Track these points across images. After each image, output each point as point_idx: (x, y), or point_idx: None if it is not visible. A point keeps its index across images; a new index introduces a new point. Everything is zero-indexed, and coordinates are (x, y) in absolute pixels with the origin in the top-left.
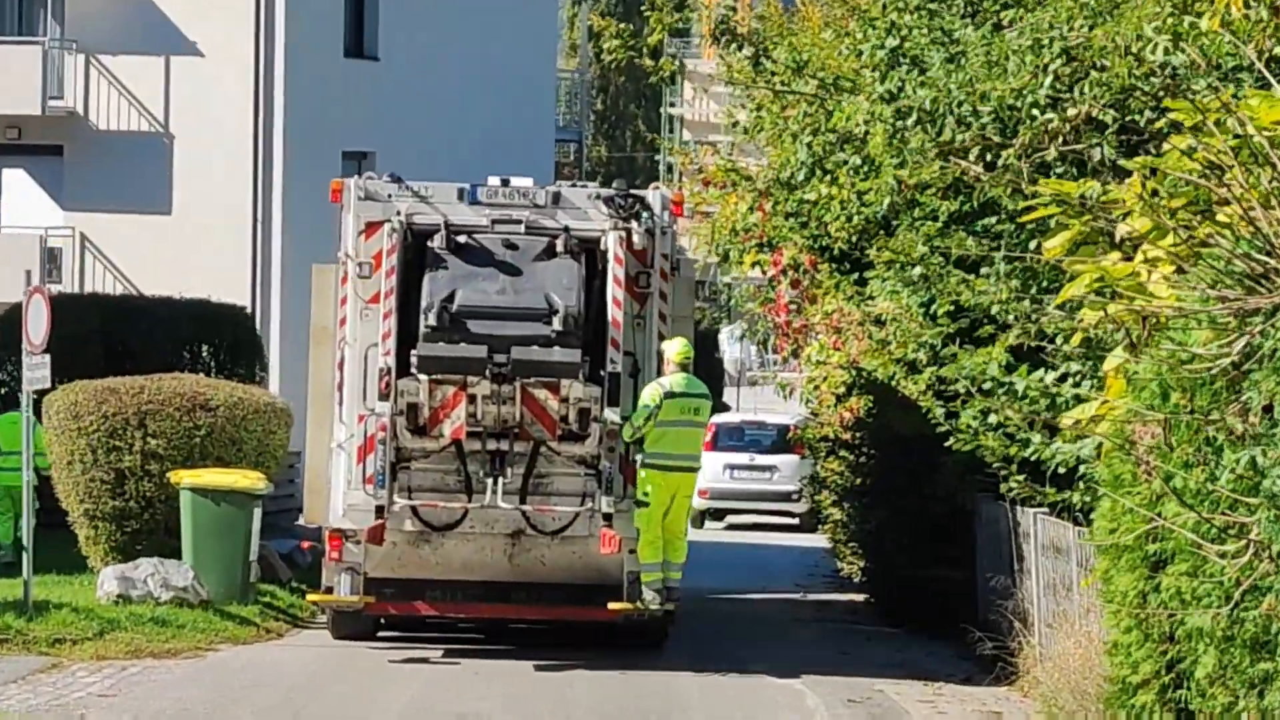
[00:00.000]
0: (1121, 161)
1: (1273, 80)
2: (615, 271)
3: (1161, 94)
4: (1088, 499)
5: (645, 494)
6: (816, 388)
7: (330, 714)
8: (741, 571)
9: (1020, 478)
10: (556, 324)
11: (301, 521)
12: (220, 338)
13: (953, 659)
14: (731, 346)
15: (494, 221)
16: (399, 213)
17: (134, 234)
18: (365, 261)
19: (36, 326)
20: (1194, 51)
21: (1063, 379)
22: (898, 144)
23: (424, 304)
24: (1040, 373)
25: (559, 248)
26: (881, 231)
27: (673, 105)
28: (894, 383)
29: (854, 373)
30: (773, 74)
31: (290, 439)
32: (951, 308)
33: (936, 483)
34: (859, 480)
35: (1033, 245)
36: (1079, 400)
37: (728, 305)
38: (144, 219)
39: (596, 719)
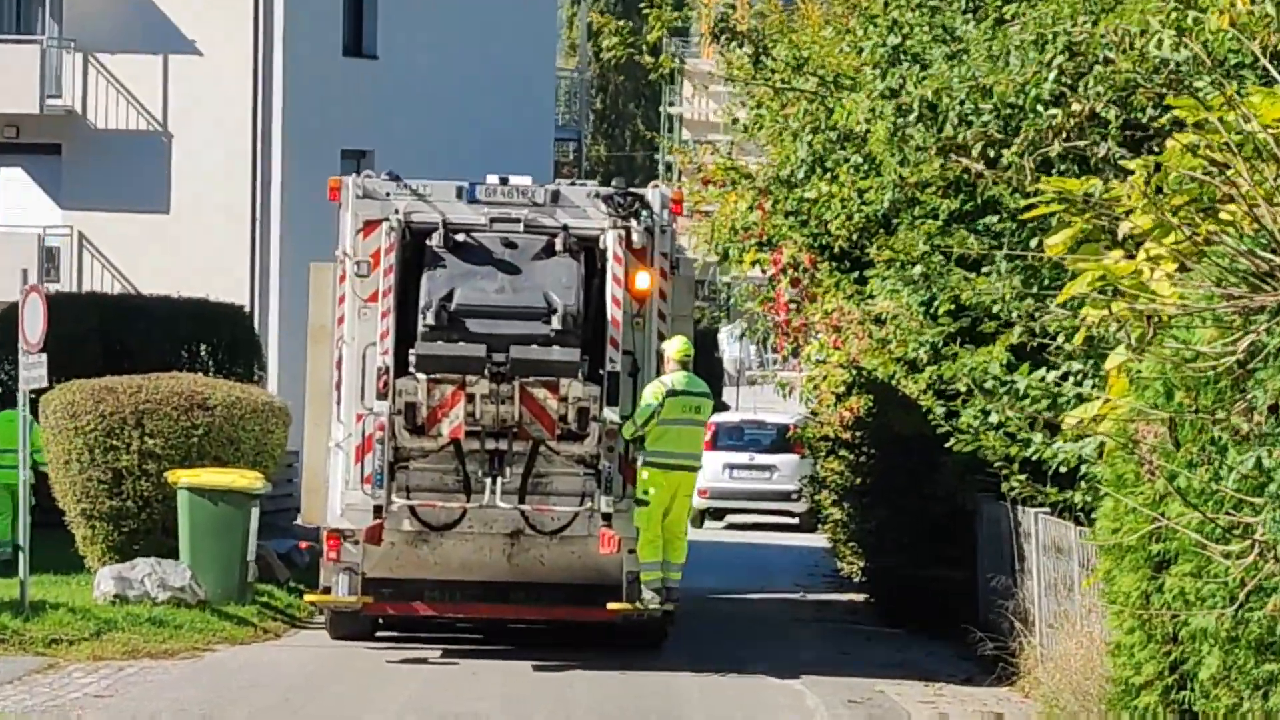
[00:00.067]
0: (1123, 162)
1: (1277, 76)
2: (614, 270)
3: (1164, 91)
4: (1089, 499)
5: (646, 492)
6: (816, 387)
7: (328, 714)
8: (741, 571)
9: (1022, 477)
10: (555, 323)
11: (299, 521)
12: (218, 337)
13: (953, 659)
14: (731, 346)
15: (493, 220)
16: (397, 211)
17: (132, 233)
18: (363, 260)
19: (33, 325)
20: (1197, 46)
21: (1064, 378)
22: (899, 141)
23: (422, 303)
24: (1042, 372)
25: (558, 246)
26: (882, 230)
27: (672, 104)
28: (894, 382)
29: (854, 372)
30: (773, 71)
31: (288, 438)
32: (952, 306)
33: (937, 482)
34: (859, 480)
35: (1034, 243)
36: (1081, 399)
37: (727, 304)
38: (142, 218)
39: (596, 719)
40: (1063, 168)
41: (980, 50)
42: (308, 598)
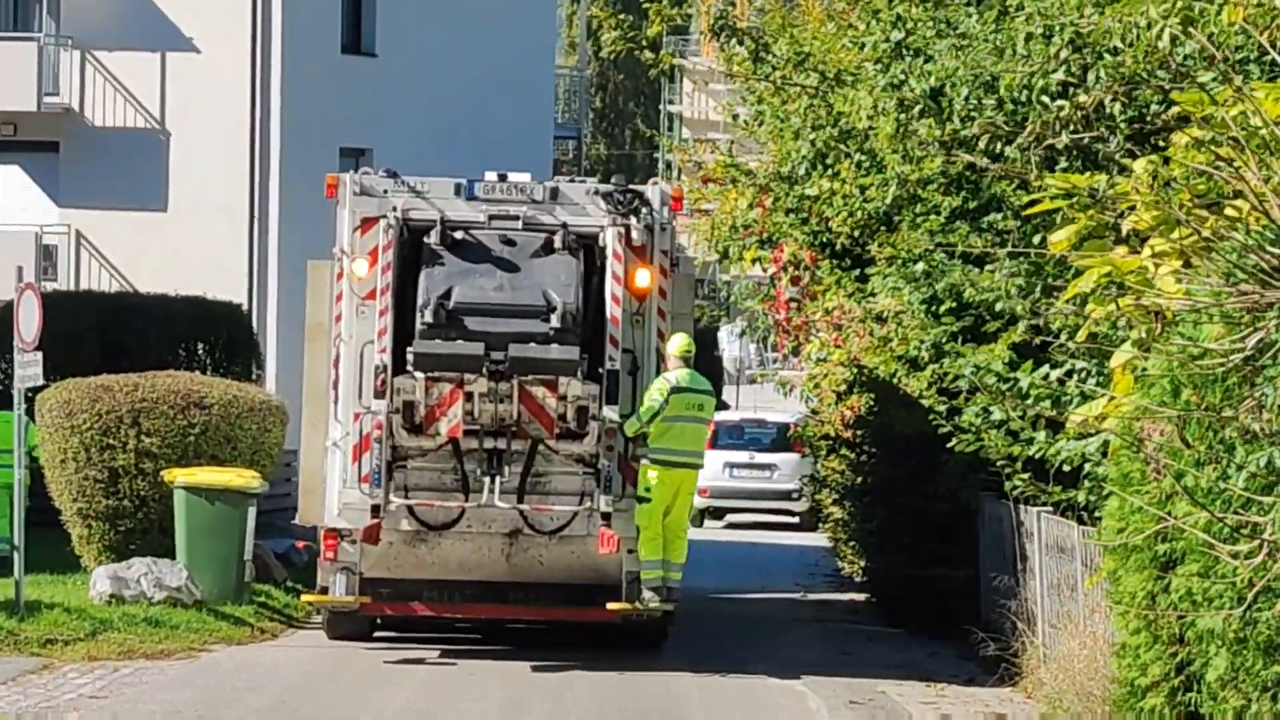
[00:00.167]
0: (1125, 161)
1: None
2: (614, 268)
3: (1169, 86)
4: (1093, 498)
5: (648, 490)
6: (817, 385)
7: (325, 715)
8: (741, 571)
9: (1025, 476)
10: (554, 321)
11: (297, 521)
12: (216, 335)
13: (955, 660)
14: (731, 344)
15: (491, 217)
16: (395, 208)
17: (130, 231)
18: (361, 258)
19: (28, 323)
20: (1202, 38)
21: (1068, 375)
22: (902, 136)
23: (420, 301)
24: (1045, 369)
25: (557, 244)
26: (883, 227)
27: (672, 103)
28: (895, 380)
29: (855, 370)
30: (773, 68)
31: (286, 437)
32: (954, 304)
33: (938, 481)
34: (860, 479)
35: (1036, 240)
36: (1085, 398)
37: (727, 303)
38: (140, 216)
39: None
40: (1066, 164)
41: (984, 45)
42: (305, 598)
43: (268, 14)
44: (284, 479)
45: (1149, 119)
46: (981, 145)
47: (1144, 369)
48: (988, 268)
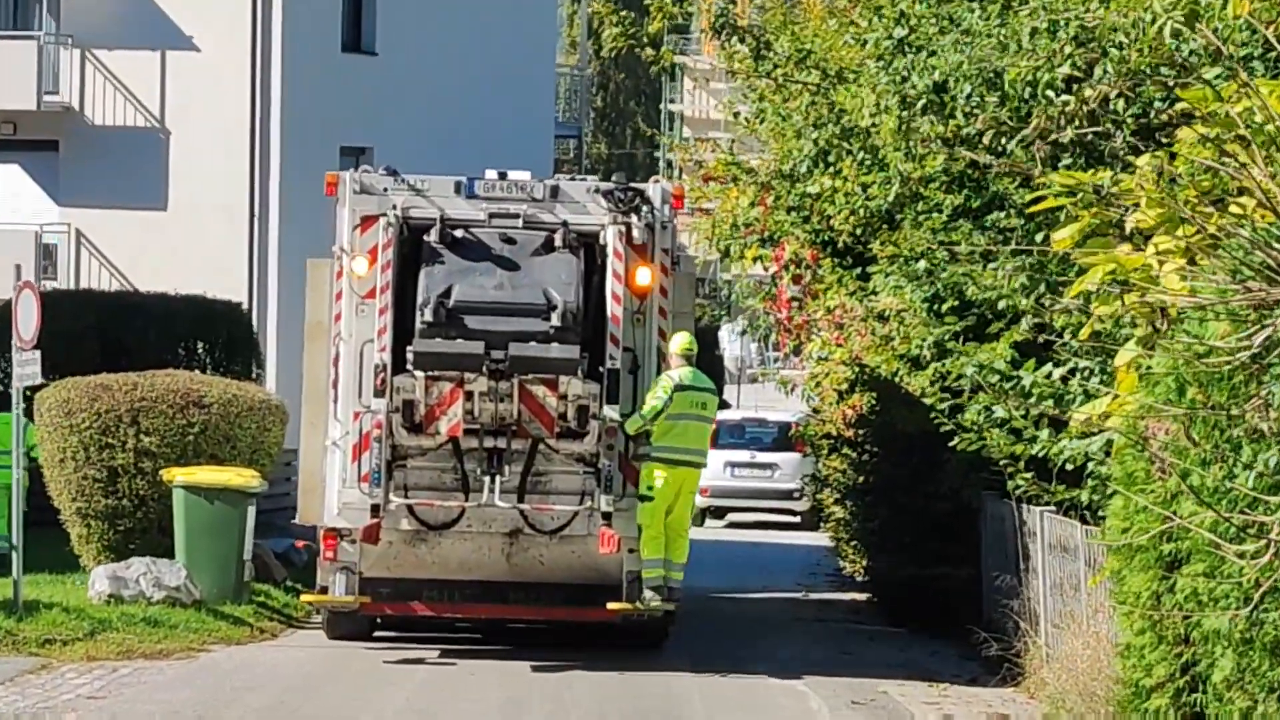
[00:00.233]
0: (1130, 158)
1: None
2: (615, 266)
3: (1173, 83)
4: (1096, 497)
5: (650, 488)
6: (818, 384)
7: (324, 716)
8: (742, 570)
9: (1027, 475)
10: (555, 320)
11: (297, 520)
12: (216, 334)
13: (957, 659)
14: (732, 343)
15: (491, 216)
16: (395, 206)
17: (130, 230)
18: (361, 256)
19: (26, 322)
20: (1208, 32)
21: (1072, 373)
22: (904, 134)
23: (420, 299)
24: (1048, 368)
25: (557, 242)
26: (885, 226)
27: (672, 101)
28: (897, 379)
29: (856, 369)
30: (775, 66)
31: (286, 436)
32: (956, 303)
33: (940, 480)
34: (861, 478)
35: (1039, 238)
36: (1088, 396)
37: (728, 302)
38: (140, 215)
39: None
40: (1068, 162)
41: (988, 40)
42: (304, 598)
43: (268, 13)
44: (284, 478)
45: (1153, 116)
46: (985, 141)
47: (1148, 367)
48: (990, 266)
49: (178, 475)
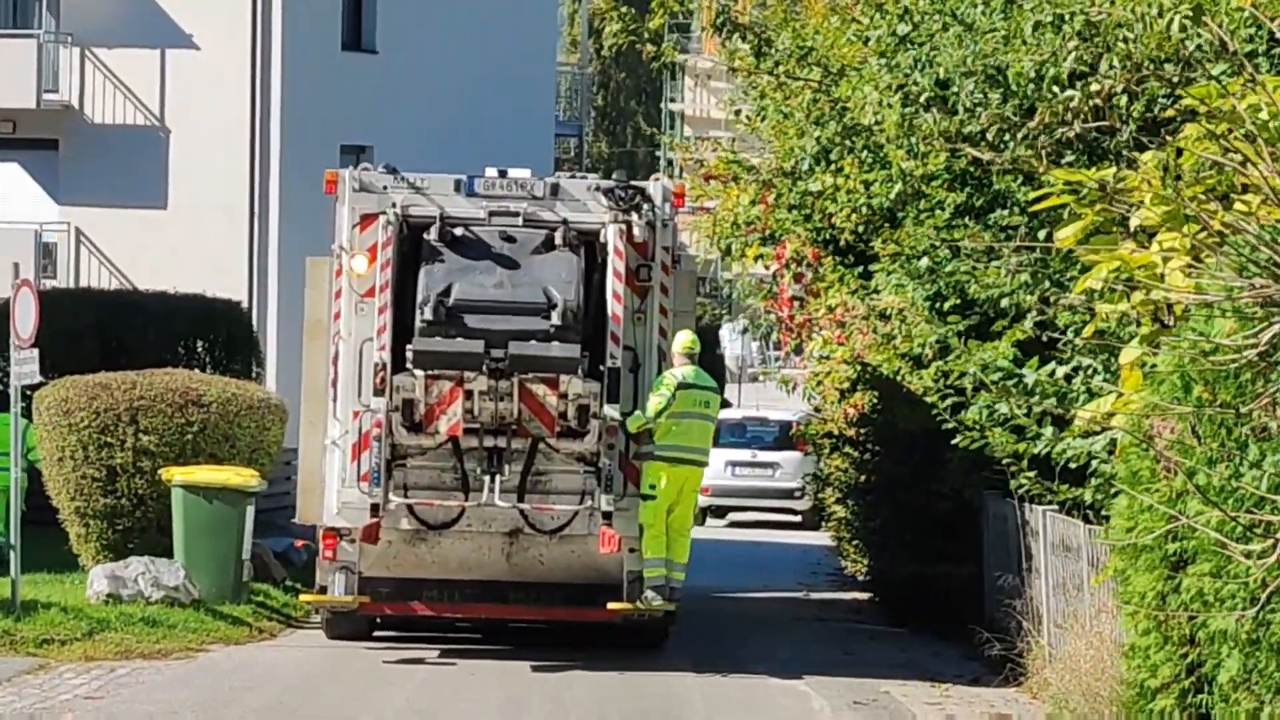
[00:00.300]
0: (1133, 154)
1: None
2: (615, 265)
3: (1177, 80)
4: (1099, 496)
5: (652, 486)
6: (820, 383)
7: (324, 716)
8: (743, 570)
9: (1030, 474)
10: (555, 318)
11: (296, 520)
12: (216, 333)
13: (959, 659)
14: (733, 342)
15: (491, 214)
16: (394, 204)
17: (130, 229)
18: (360, 254)
19: (24, 320)
20: (1214, 26)
21: (1075, 372)
22: (907, 131)
23: (420, 298)
24: (1051, 366)
25: (558, 240)
26: (887, 224)
27: (673, 100)
28: (899, 378)
29: (858, 368)
30: (776, 63)
31: (285, 435)
32: (958, 301)
33: (942, 479)
34: (863, 477)
35: (1042, 235)
36: (1091, 395)
37: (729, 300)
38: (139, 213)
39: None
40: (1071, 159)
41: (992, 35)
42: (303, 598)
43: (268, 11)
44: (284, 477)
45: (1157, 113)
46: (989, 138)
47: (1153, 365)
48: (993, 264)
49: (176, 474)
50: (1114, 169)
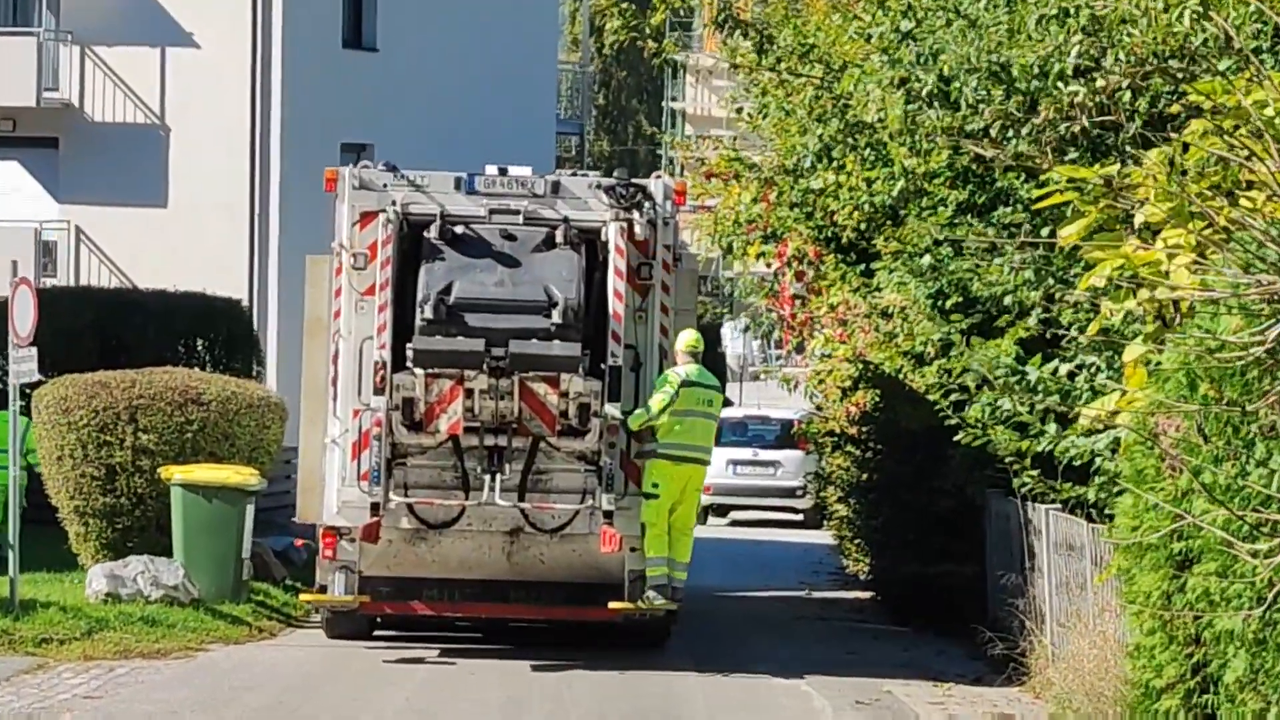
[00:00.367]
0: (1137, 152)
1: None
2: (616, 263)
3: (1181, 76)
4: (1102, 495)
5: (654, 485)
6: (821, 381)
7: (324, 715)
8: (745, 569)
9: (1034, 473)
10: (556, 317)
11: (296, 519)
12: (216, 332)
13: (962, 658)
14: (734, 341)
15: (491, 212)
16: (394, 202)
17: (130, 227)
18: (360, 252)
19: (23, 318)
20: (1220, 20)
21: (1078, 370)
22: (910, 127)
23: (420, 296)
24: (1054, 364)
25: (558, 238)
26: (889, 222)
27: (674, 99)
28: (901, 376)
29: (860, 366)
30: (778, 59)
31: (285, 434)
32: (961, 299)
33: (944, 477)
34: (865, 475)
35: (1045, 233)
36: (1094, 393)
37: (730, 299)
38: (139, 212)
39: None
40: (1074, 156)
41: (995, 30)
42: (303, 597)
43: (268, 9)
44: (284, 476)
45: (1161, 109)
46: (993, 133)
47: (1158, 363)
48: (996, 261)
49: (176, 473)
50: (1118, 166)
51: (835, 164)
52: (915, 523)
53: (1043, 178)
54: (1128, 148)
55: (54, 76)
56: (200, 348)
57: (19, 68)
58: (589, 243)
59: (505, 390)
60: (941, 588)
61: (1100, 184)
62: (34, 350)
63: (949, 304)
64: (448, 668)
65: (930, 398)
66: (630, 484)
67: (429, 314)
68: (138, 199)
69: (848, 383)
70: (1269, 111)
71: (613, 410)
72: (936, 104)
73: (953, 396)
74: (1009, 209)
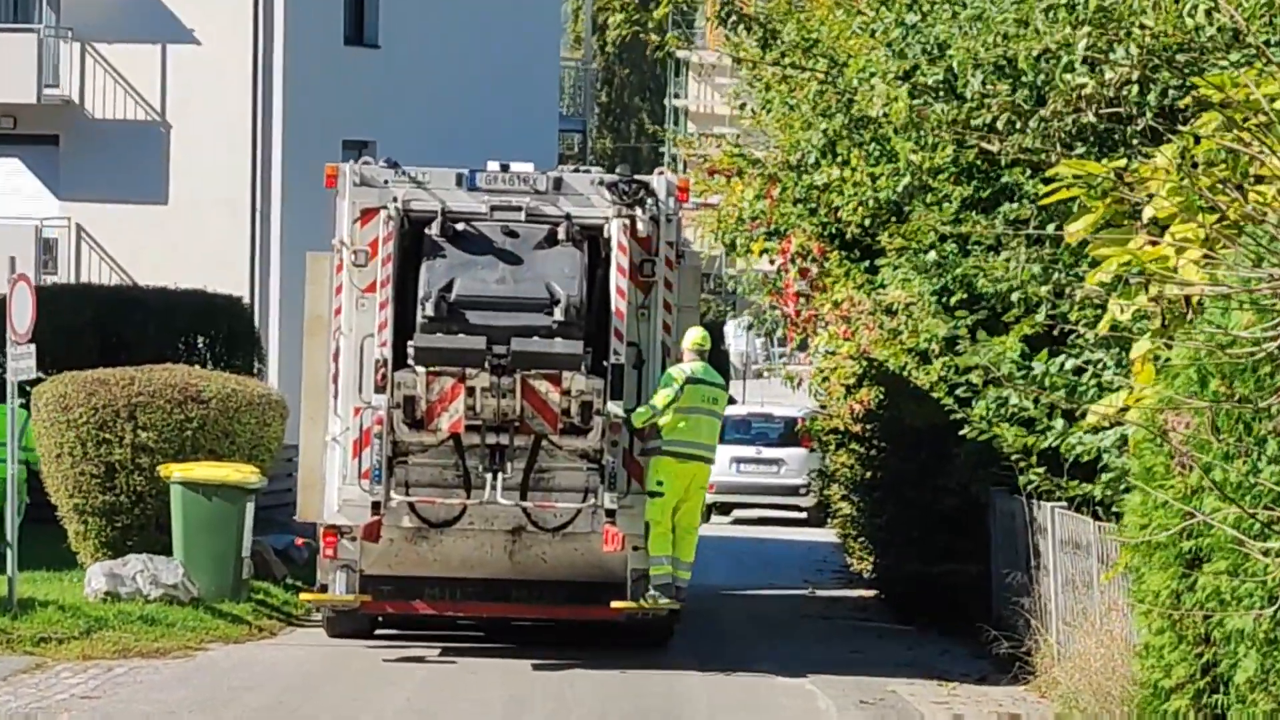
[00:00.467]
0: (1148, 150)
1: None
2: (619, 260)
3: (1189, 70)
4: (1109, 492)
5: (659, 483)
6: (825, 379)
7: (324, 715)
8: (748, 567)
9: (1040, 470)
10: (558, 314)
11: (297, 517)
12: (217, 329)
13: (966, 657)
14: (738, 339)
15: (493, 208)
16: (395, 199)
17: (131, 224)
18: (361, 249)
19: (21, 315)
20: (1232, 11)
21: (1085, 366)
22: (915, 121)
23: (421, 293)
24: (1061, 359)
25: (560, 235)
26: (893, 218)
27: (677, 97)
28: (905, 373)
29: (864, 363)
30: (782, 54)
31: (286, 431)
32: (965, 296)
33: (949, 475)
34: (869, 473)
35: (1051, 228)
36: (1101, 389)
37: (733, 296)
38: (140, 209)
39: None
40: (1082, 150)
41: (1001, 22)
42: (304, 597)
43: (269, 5)
44: (285, 474)
45: (1170, 101)
46: (1000, 126)
47: (1166, 359)
48: (1002, 257)
49: (175, 471)
50: (1125, 160)
51: (839, 159)
52: (919, 521)
53: (1049, 173)
54: (1136, 142)
55: (54, 73)
56: (201, 345)
57: (19, 64)
58: (591, 240)
59: (507, 388)
60: (946, 586)
61: (1110, 177)
62: (32, 347)
63: (954, 300)
64: (449, 667)
65: (935, 395)
66: (633, 482)
67: (430, 311)
68: (138, 196)
69: (851, 380)
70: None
71: (615, 408)
72: (942, 96)
73: (958, 392)
74: (1015, 205)
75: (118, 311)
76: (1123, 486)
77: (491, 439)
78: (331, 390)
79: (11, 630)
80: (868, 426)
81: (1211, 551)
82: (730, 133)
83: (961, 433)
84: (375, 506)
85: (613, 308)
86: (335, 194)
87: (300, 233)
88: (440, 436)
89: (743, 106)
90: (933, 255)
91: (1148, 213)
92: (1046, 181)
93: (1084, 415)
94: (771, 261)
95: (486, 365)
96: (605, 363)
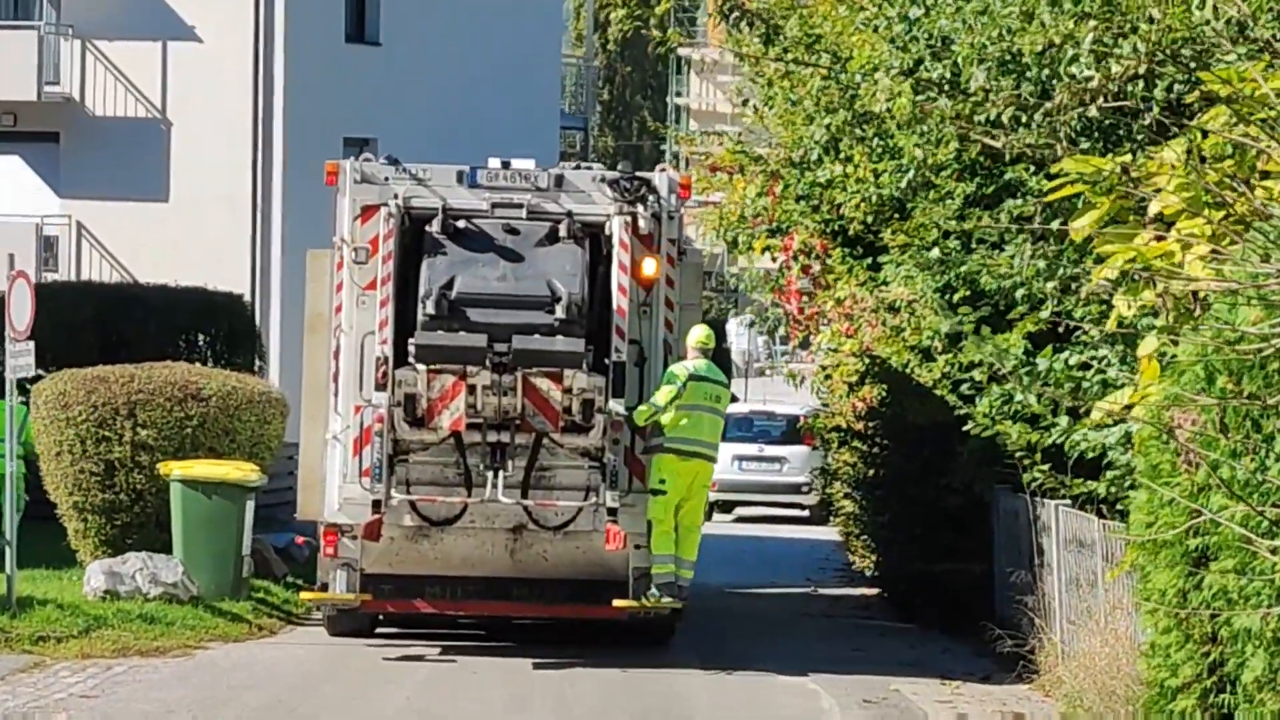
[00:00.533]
0: (1154, 145)
1: None
2: (620, 257)
3: (1194, 65)
4: (1113, 490)
5: (661, 481)
6: (828, 377)
7: (324, 714)
8: (750, 565)
9: (1044, 468)
10: (559, 312)
11: (297, 515)
12: (217, 327)
13: (969, 656)
14: (740, 337)
15: (494, 205)
16: (396, 196)
17: (131, 222)
18: (361, 246)
19: (20, 312)
20: (1237, 2)
21: (1089, 363)
22: (919, 116)
23: (422, 291)
24: (1066, 355)
25: (562, 232)
26: (896, 215)
27: (679, 94)
28: (908, 370)
29: (867, 361)
30: (785, 49)
31: (287, 429)
32: (969, 293)
33: (952, 473)
34: (871, 471)
35: (1055, 225)
36: (1105, 386)
37: (735, 294)
38: (141, 206)
39: None
40: (1087, 146)
41: (1006, 17)
42: (305, 595)
43: (270, 2)
44: (285, 472)
45: (1175, 98)
46: (1004, 120)
47: (1173, 356)
48: (1005, 253)
49: (175, 469)
50: (1130, 156)
51: (842, 156)
52: (922, 519)
53: (1054, 169)
54: (1141, 137)
55: (55, 70)
56: (201, 342)
57: (20, 62)
58: (593, 237)
59: (508, 386)
60: (949, 584)
61: (1116, 173)
62: (31, 344)
63: (957, 298)
64: (449, 666)
65: (938, 392)
66: (634, 480)
67: (431, 309)
68: (139, 193)
69: (854, 378)
70: None
71: (616, 406)
72: (946, 91)
73: (962, 388)
74: (1019, 201)
75: (118, 309)
76: (1128, 484)
77: (493, 437)
78: (332, 388)
79: (10, 629)
80: (870, 424)
81: (1219, 549)
82: (732, 130)
83: (965, 429)
84: (376, 505)
85: (614, 305)
86: (336, 191)
87: (301, 230)
88: (441, 434)
89: (745, 103)
90: (936, 252)
91: (1154, 208)
92: (1051, 177)
93: (1089, 412)
94: (774, 259)
95: (487, 363)
96: (607, 360)
